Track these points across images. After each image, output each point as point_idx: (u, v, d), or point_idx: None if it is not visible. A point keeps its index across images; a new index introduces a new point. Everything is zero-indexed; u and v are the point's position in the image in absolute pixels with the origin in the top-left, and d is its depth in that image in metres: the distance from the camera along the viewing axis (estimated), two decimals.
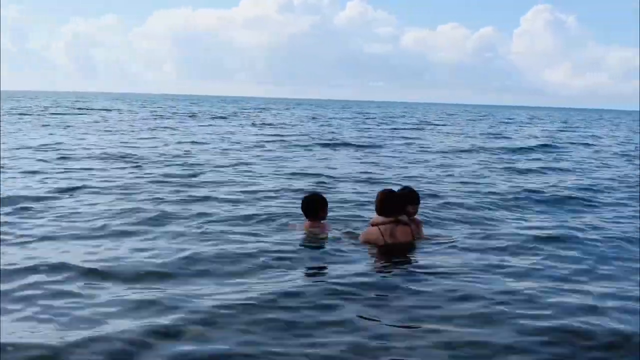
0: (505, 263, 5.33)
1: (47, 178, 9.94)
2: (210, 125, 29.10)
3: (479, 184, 10.67)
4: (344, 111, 62.68)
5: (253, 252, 5.37)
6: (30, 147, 14.96)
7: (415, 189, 6.21)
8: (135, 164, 12.09)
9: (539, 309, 4.13)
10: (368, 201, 7.97)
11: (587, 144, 23.03)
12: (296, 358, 3.35)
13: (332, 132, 25.57)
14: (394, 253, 5.47)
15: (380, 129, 30.03)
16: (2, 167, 10.88)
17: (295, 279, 4.72)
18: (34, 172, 10.51)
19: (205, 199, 8.23)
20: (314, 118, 41.67)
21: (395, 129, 30.40)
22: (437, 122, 40.79)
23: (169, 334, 3.56)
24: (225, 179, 10.32)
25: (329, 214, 6.29)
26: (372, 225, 5.71)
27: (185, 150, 15.20)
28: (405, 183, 8.88)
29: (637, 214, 8.02)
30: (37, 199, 7.92)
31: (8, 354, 3.26)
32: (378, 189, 6.43)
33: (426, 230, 6.25)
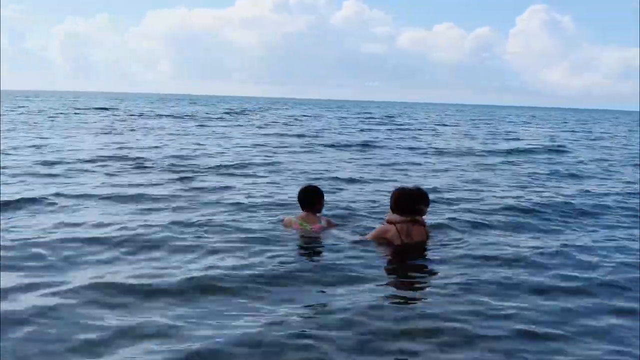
0: None
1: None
2: (226, 126, 28.60)
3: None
4: (345, 111, 62.35)
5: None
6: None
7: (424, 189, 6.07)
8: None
9: None
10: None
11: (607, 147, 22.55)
12: None
13: (343, 133, 25.21)
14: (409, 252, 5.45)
15: (391, 130, 29.45)
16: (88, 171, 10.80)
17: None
18: None
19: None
20: (316, 117, 41.30)
21: (399, 129, 30.12)
22: (448, 123, 40.44)
23: None
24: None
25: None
26: (388, 222, 5.61)
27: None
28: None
29: None
30: None
31: None
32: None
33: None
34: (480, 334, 3.67)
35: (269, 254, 5.24)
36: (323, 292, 4.42)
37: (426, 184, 9.96)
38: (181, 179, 9.99)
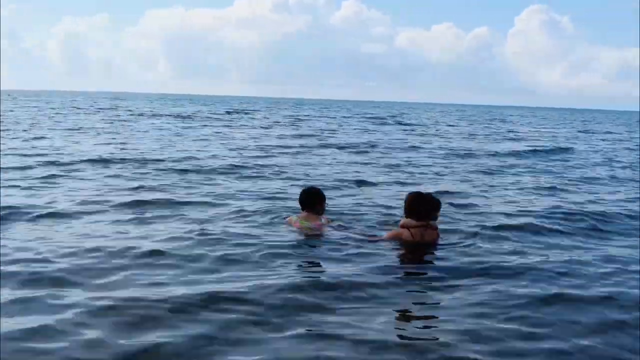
0: None
1: None
2: (229, 126, 28.51)
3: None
4: (346, 111, 62.26)
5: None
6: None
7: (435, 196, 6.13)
8: None
9: None
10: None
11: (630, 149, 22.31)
12: None
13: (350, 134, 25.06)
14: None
15: (404, 131, 29.29)
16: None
17: None
18: None
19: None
20: (322, 118, 41.07)
21: (407, 129, 29.90)
22: (452, 123, 40.42)
23: None
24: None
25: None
26: (402, 227, 5.68)
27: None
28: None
29: None
30: None
31: None
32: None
33: None
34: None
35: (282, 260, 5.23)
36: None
37: (439, 188, 9.86)
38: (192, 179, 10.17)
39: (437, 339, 3.64)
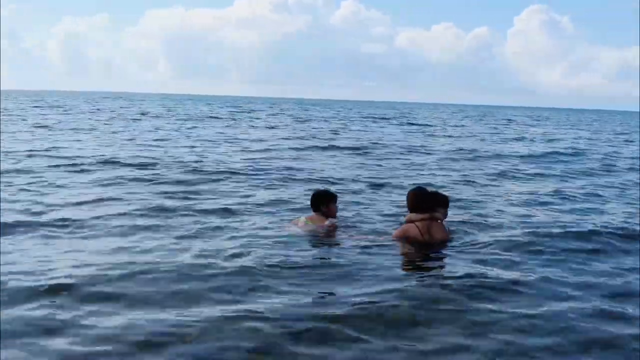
0: None
1: None
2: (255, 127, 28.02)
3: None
4: (348, 111, 61.81)
5: None
6: None
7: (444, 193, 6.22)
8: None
9: None
10: None
11: None
12: None
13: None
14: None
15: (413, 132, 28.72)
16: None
17: None
18: None
19: None
20: (327, 120, 40.44)
21: (416, 130, 29.33)
22: (457, 124, 39.94)
23: None
24: None
25: None
26: (409, 221, 5.76)
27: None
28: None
29: None
30: None
31: None
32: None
33: None
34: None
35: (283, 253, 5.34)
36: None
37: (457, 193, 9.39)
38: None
39: None
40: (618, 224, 7.04)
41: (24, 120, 26.83)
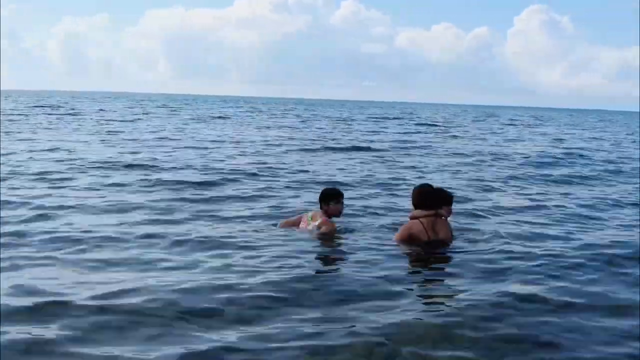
0: None
1: None
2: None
3: None
4: (351, 111, 61.42)
5: None
6: None
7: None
8: None
9: None
10: None
11: None
12: None
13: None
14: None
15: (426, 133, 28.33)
16: None
17: None
18: None
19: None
20: (338, 120, 40.05)
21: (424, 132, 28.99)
22: (464, 124, 39.62)
23: None
24: None
25: None
26: (413, 218, 5.75)
27: None
28: None
29: None
30: None
31: None
32: None
33: None
34: None
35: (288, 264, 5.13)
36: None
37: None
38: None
39: None
40: None
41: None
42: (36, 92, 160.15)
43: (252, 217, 7.15)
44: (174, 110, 45.94)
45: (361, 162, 14.15)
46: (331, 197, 6.22)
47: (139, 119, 31.97)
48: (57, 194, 8.44)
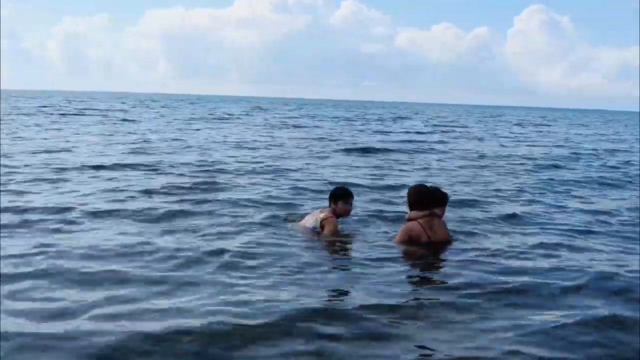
0: None
1: None
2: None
3: None
4: (355, 111, 60.79)
5: None
6: None
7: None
8: None
9: None
10: None
11: None
12: None
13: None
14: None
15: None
16: None
17: None
18: None
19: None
20: (348, 120, 39.35)
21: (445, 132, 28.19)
22: (472, 124, 38.85)
23: None
24: None
25: None
26: (410, 220, 5.73)
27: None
28: None
29: None
30: None
31: None
32: None
33: None
34: None
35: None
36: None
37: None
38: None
39: None
40: None
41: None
42: (36, 92, 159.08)
43: None
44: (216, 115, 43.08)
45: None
46: (340, 197, 6.18)
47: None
48: None
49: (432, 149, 18.45)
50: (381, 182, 10.52)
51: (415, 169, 13.17)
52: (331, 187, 6.97)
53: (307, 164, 13.06)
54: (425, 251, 5.51)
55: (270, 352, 3.37)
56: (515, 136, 27.43)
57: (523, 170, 13.40)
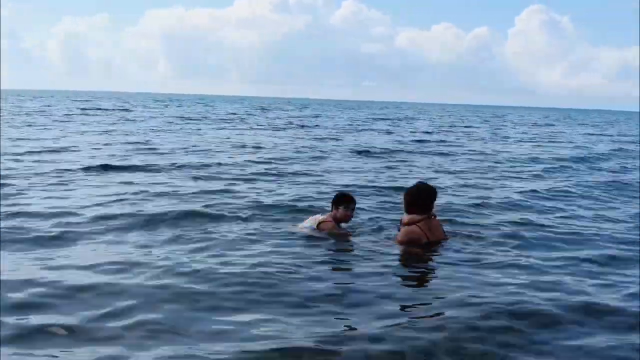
0: None
1: None
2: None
3: None
4: (359, 112, 60.62)
5: None
6: None
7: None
8: None
9: None
10: None
11: None
12: None
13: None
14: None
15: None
16: None
17: None
18: None
19: None
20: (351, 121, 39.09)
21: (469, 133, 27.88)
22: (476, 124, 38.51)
23: None
24: None
25: None
26: (408, 224, 5.65)
27: None
28: None
29: None
30: None
31: None
32: None
33: None
34: None
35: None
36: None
37: None
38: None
39: None
40: None
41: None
42: (36, 91, 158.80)
43: None
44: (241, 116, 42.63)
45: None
46: (340, 202, 6.13)
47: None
48: None
49: (450, 151, 18.15)
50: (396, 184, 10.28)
51: (437, 170, 12.93)
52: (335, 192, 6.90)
53: (322, 168, 12.77)
54: (424, 251, 5.49)
55: None
56: (531, 137, 27.35)
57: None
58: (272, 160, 13.45)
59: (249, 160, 13.38)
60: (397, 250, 5.56)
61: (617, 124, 55.79)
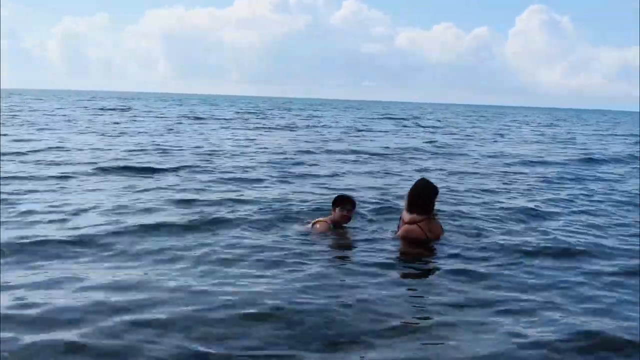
0: None
1: None
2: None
3: None
4: (364, 112, 60.42)
5: None
6: None
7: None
8: None
9: None
10: None
11: None
12: None
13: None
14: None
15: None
16: None
17: None
18: None
19: None
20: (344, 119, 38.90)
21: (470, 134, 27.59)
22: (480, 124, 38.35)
23: None
24: None
25: None
26: (410, 223, 5.70)
27: None
28: None
29: None
30: None
31: None
32: None
33: None
34: None
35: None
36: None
37: None
38: None
39: None
40: None
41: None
42: (36, 91, 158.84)
43: None
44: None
45: None
46: (337, 204, 6.23)
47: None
48: None
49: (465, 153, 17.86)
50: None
51: (450, 172, 12.65)
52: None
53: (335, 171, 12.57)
54: (422, 249, 5.59)
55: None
56: (545, 138, 27.08)
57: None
58: (279, 160, 13.31)
59: (256, 160, 13.23)
60: (393, 247, 5.67)
61: (625, 124, 55.60)
